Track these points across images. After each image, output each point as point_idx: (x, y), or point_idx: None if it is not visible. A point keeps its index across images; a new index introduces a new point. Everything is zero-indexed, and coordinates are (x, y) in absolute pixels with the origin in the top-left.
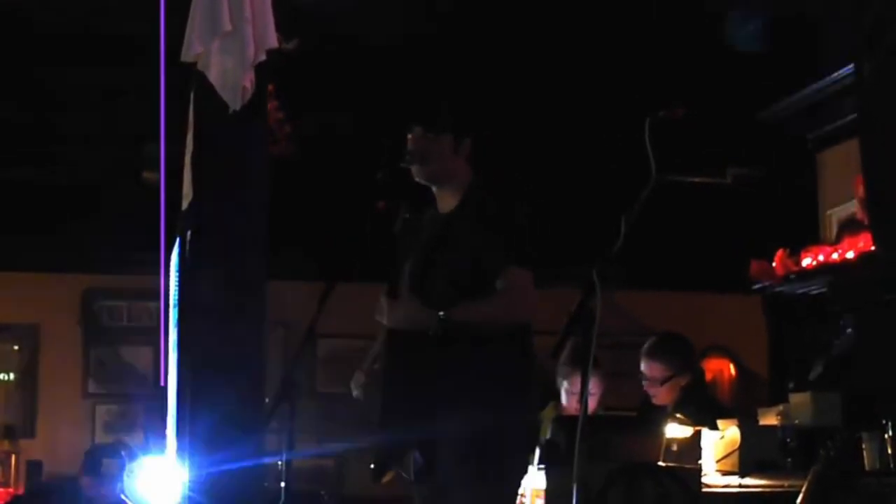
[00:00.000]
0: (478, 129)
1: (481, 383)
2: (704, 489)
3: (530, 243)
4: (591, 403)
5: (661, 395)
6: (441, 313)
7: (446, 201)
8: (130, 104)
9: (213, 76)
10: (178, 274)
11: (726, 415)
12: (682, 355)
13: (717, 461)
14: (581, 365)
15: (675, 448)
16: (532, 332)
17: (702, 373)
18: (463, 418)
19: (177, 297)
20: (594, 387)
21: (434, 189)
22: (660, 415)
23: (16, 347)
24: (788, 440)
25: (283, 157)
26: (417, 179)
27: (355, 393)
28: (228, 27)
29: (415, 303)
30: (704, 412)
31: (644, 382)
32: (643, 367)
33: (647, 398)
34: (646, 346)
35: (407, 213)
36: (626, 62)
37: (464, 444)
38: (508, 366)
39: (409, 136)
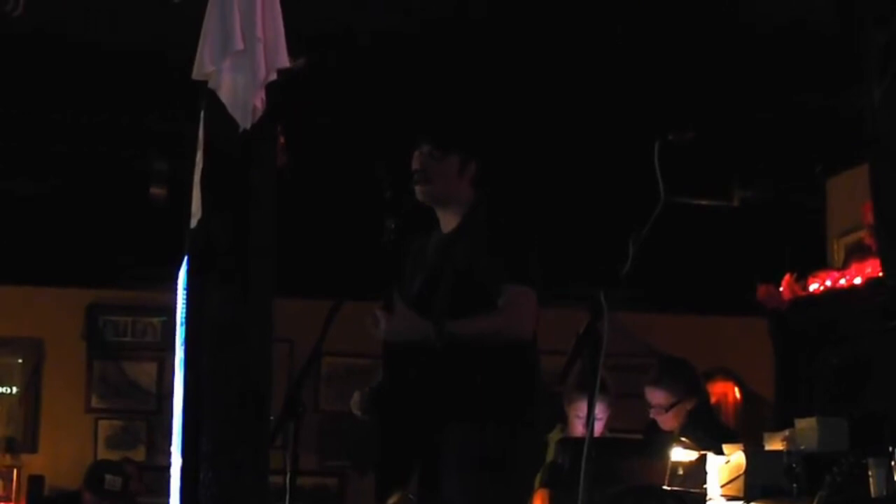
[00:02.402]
0: (485, 151)
1: (485, 400)
2: None
3: (534, 262)
4: (598, 428)
5: (667, 421)
6: (438, 326)
7: (449, 222)
8: (137, 118)
9: (224, 94)
10: (185, 291)
11: (733, 439)
12: (685, 380)
13: (723, 486)
14: (588, 388)
15: (680, 472)
16: (537, 349)
17: (707, 396)
18: (467, 435)
19: (184, 315)
20: (601, 412)
21: (436, 209)
22: (666, 439)
23: (19, 361)
24: (794, 465)
25: (280, 169)
26: (420, 199)
27: (356, 412)
28: (240, 46)
29: (411, 314)
30: (711, 436)
31: (650, 410)
32: (647, 394)
33: (653, 422)
34: (649, 373)
35: (393, 224)
36: (635, 82)
37: (468, 462)
38: (513, 383)
39: (416, 152)
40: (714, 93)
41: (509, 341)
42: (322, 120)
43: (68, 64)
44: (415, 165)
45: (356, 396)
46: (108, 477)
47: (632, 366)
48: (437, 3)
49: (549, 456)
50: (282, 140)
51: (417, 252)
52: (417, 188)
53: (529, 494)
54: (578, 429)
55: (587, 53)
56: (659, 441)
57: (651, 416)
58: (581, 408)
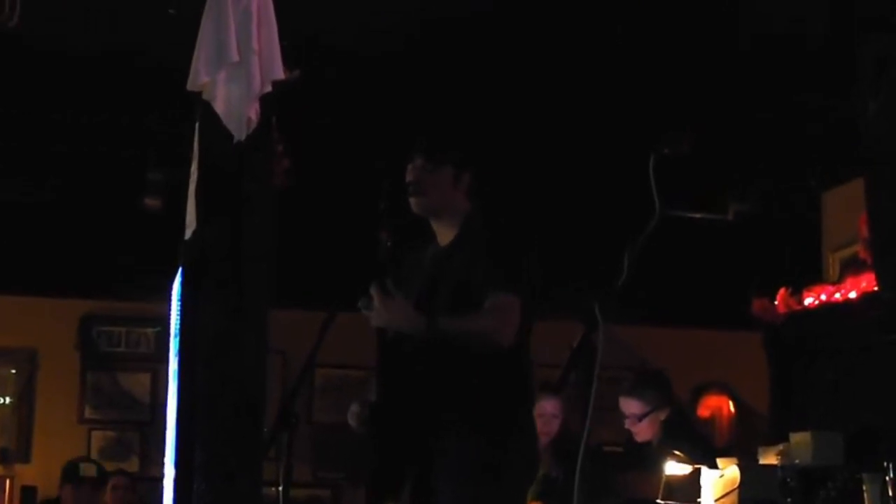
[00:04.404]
0: (478, 162)
1: (479, 408)
2: None
3: (526, 269)
4: (555, 426)
5: (641, 431)
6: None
7: (445, 234)
8: (133, 128)
9: (219, 106)
10: (179, 303)
11: (711, 448)
12: (658, 390)
13: (717, 500)
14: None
15: (674, 486)
16: (531, 360)
17: (681, 406)
18: (461, 443)
19: (178, 326)
20: (557, 410)
21: (432, 221)
22: (644, 451)
23: (12, 371)
24: (789, 480)
25: (280, 189)
26: (415, 211)
27: (352, 424)
28: (236, 58)
29: (407, 303)
30: (689, 445)
31: (625, 420)
32: (621, 405)
33: (631, 435)
34: (622, 385)
35: (389, 240)
36: (633, 86)
37: (462, 470)
38: (507, 391)
39: (410, 166)
40: (711, 97)
41: (488, 345)
42: (316, 131)
43: (65, 66)
44: (409, 178)
45: (355, 408)
46: (82, 465)
47: (624, 378)
48: (434, 7)
49: (543, 469)
50: (287, 163)
51: (413, 265)
52: (412, 200)
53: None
54: (539, 428)
55: (586, 57)
56: (641, 454)
57: (626, 426)
58: (541, 406)
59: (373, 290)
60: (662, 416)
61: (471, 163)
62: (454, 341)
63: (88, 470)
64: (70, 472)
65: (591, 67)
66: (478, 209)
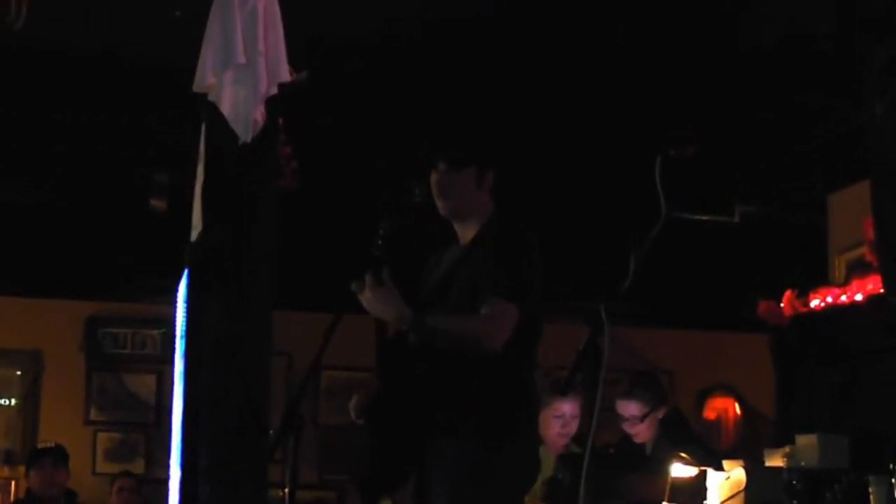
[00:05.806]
0: (501, 161)
1: (477, 412)
2: None
3: (527, 274)
4: (573, 427)
5: (641, 432)
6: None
7: (467, 234)
8: (133, 129)
9: (225, 108)
10: (185, 304)
11: (709, 445)
12: (654, 391)
13: (723, 502)
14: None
15: (680, 488)
16: (535, 362)
17: (676, 406)
18: (459, 446)
19: (184, 328)
20: (575, 411)
21: (456, 223)
22: (642, 452)
23: (18, 373)
24: (794, 482)
25: (288, 191)
26: (441, 214)
27: (352, 415)
28: (242, 60)
29: (397, 294)
30: (688, 444)
31: (624, 423)
32: (620, 407)
33: (625, 436)
34: (619, 387)
35: (383, 231)
36: (636, 88)
37: (458, 473)
38: (506, 395)
39: (432, 170)
40: (715, 98)
41: (475, 349)
42: (318, 131)
43: (65, 66)
44: (432, 182)
45: (354, 400)
46: (39, 446)
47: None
48: (435, 8)
49: (548, 472)
50: (295, 164)
51: (432, 266)
52: (438, 203)
53: None
54: (555, 429)
55: (587, 58)
56: (652, 455)
57: (625, 428)
58: (557, 408)
59: (368, 278)
60: (660, 415)
61: (493, 163)
62: (438, 340)
63: (46, 443)
64: (31, 457)
65: (593, 68)
66: (500, 211)
